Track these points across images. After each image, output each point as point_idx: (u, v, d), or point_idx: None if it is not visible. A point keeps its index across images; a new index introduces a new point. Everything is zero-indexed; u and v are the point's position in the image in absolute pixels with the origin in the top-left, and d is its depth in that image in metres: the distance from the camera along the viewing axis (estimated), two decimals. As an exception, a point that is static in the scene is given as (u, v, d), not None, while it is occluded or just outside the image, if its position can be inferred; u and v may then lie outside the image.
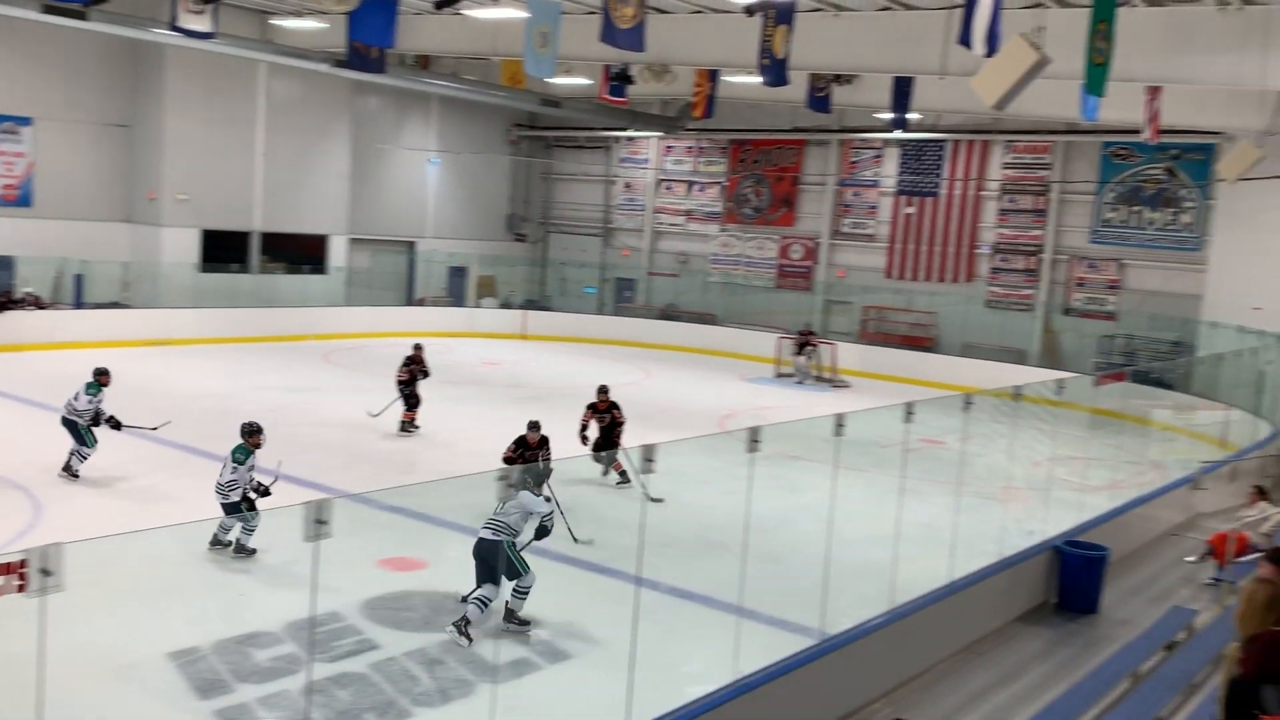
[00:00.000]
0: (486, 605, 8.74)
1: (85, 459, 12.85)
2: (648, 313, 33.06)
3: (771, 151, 31.81)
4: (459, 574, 9.23)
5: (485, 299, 33.37)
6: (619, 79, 22.57)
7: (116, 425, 13.00)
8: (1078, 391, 15.65)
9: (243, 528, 10.33)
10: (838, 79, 22.50)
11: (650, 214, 34.33)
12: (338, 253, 30.30)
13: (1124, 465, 15.18)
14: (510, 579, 8.87)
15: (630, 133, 33.00)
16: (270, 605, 9.39)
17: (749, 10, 15.70)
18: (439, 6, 18.07)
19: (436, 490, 12.52)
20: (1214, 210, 24.64)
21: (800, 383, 25.26)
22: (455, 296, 32.97)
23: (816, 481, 9.63)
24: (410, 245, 32.83)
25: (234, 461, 10.37)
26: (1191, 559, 12.65)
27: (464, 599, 8.91)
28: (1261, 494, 12.78)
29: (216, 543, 10.47)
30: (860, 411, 13.05)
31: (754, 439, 7.62)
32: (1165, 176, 25.44)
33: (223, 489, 10.42)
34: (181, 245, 26.96)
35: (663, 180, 34.13)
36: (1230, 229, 23.91)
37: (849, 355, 26.91)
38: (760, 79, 16.64)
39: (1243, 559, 11.81)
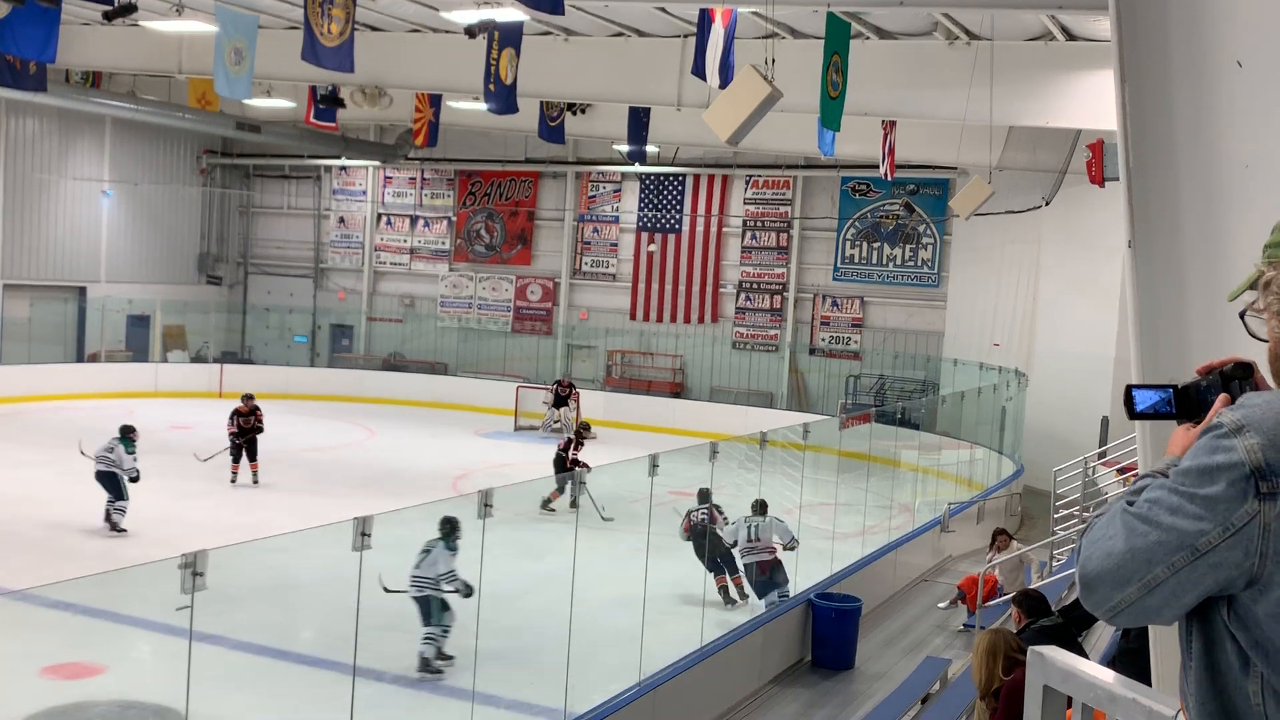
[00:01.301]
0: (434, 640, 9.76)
1: (124, 512, 14.99)
2: (368, 363, 32.37)
3: (504, 184, 32.06)
4: (145, 676, 8.64)
5: (173, 352, 31.64)
6: (327, 101, 22.13)
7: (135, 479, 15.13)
8: (825, 434, 16.56)
9: None
10: (571, 108, 23.00)
11: (369, 252, 33.74)
12: (-13, 300, 27.93)
13: (873, 509, 16.15)
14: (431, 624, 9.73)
15: (343, 161, 32.40)
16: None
17: (470, 32, 15.78)
18: (109, 17, 17.11)
19: (116, 581, 11.68)
20: (950, 246, 26.86)
21: (545, 435, 25.32)
22: (136, 350, 31.07)
23: (559, 544, 9.68)
24: (80, 291, 30.70)
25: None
26: (943, 605, 13.59)
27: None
28: (1004, 536, 13.87)
29: None
30: (605, 466, 13.27)
31: (486, 502, 7.59)
32: (903, 212, 27.51)
33: None
34: None
35: (382, 215, 33.66)
36: (966, 265, 26.14)
37: (594, 403, 27.33)
38: (486, 105, 16.75)
39: (991, 602, 12.78)
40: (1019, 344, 23.82)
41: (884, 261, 27.94)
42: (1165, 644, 3.23)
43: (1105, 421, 18.37)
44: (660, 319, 30.19)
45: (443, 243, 32.96)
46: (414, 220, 33.30)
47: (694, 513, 12.89)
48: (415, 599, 10.02)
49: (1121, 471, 14.91)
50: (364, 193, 33.84)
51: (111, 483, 14.94)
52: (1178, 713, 1.93)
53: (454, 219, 32.75)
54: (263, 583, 11.97)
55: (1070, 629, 7.29)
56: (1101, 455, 16.60)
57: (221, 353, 33.01)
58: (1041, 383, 21.83)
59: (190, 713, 7.64)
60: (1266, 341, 1.76)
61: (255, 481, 18.54)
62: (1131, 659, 5.94)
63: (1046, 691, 2.33)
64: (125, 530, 14.94)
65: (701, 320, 29.79)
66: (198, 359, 31.83)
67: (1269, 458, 1.57)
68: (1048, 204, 22.22)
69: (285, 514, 14.96)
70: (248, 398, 18.93)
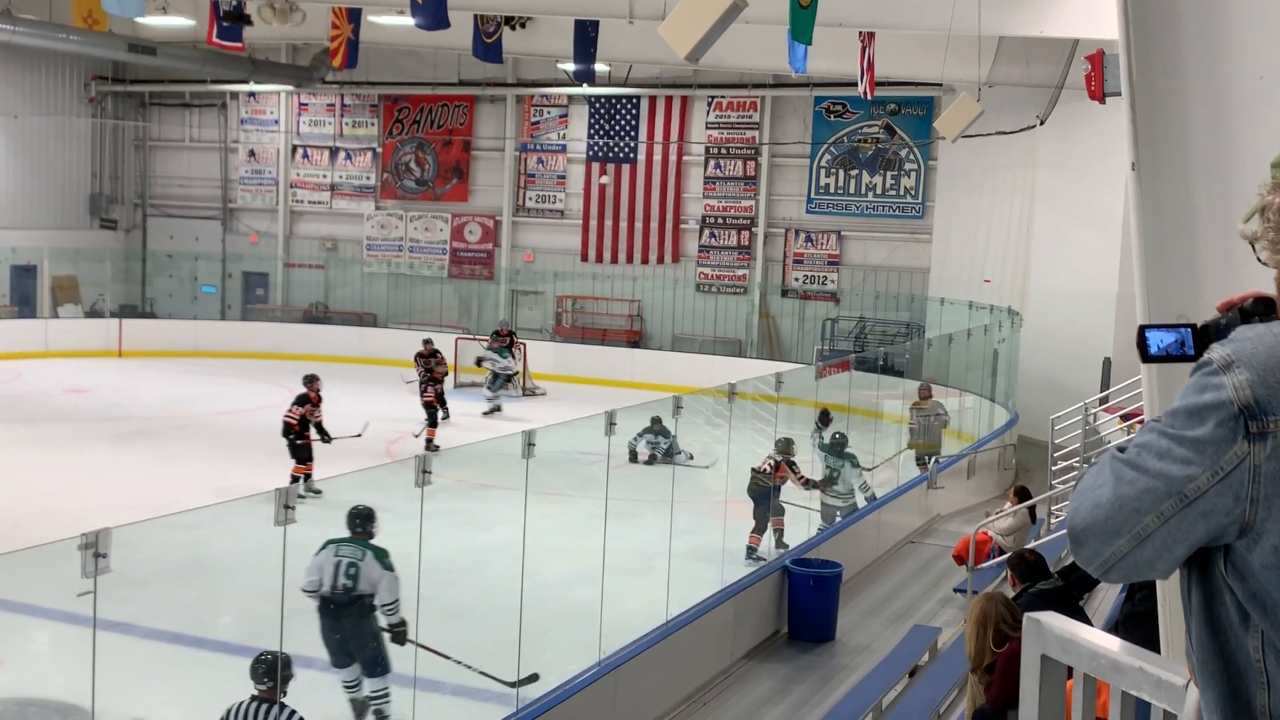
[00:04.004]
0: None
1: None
2: (287, 315, 32.12)
3: (435, 110, 31.73)
4: (45, 670, 8.60)
5: (65, 306, 31.26)
6: (231, 18, 21.76)
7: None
8: (800, 384, 16.65)
9: None
10: (510, 22, 22.76)
11: (284, 189, 33.35)
12: None
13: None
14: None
15: (252, 87, 31.91)
16: None
17: (394, -64, 15.57)
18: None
19: (7, 566, 11.59)
20: (935, 173, 26.94)
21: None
22: (22, 305, 30.65)
23: (508, 513, 9.70)
24: (-45, 239, 30.21)
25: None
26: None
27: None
28: (1021, 496, 13.98)
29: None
30: (556, 425, 13.30)
31: (424, 469, 7.58)
32: (884, 135, 27.55)
33: None
34: None
35: (298, 146, 33.25)
36: (953, 193, 26.24)
37: (542, 356, 27.29)
38: (413, 20, 16.54)
39: (988, 563, 12.93)
40: (1012, 280, 24.00)
41: (862, 191, 28.00)
42: (1175, 605, 3.29)
43: (1107, 363, 18.59)
44: (615, 260, 30.13)
45: (367, 178, 32.63)
46: (334, 153, 32.91)
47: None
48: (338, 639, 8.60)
49: (1125, 418, 15.12)
50: (276, 122, 33.38)
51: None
52: (1188, 682, 1.97)
53: (379, 151, 32.40)
54: (174, 563, 11.93)
55: (1070, 592, 7.43)
56: (1103, 401, 16.82)
57: (120, 306, 32.62)
58: (1037, 322, 22.03)
59: (97, 709, 7.63)
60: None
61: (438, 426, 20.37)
62: (1138, 623, 6.05)
63: (1044, 661, 2.36)
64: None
65: (661, 261, 29.76)
66: (93, 313, 31.45)
67: (1259, 394, 1.60)
68: (1043, 123, 22.31)
69: (197, 487, 14.88)
70: (427, 342, 21.05)
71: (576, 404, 23.51)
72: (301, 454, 16.03)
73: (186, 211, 34.43)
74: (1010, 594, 7.55)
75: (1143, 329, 1.83)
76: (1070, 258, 21.75)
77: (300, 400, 16.37)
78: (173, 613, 11.24)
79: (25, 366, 26.22)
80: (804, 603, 11.64)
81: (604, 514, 9.94)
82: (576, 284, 30.52)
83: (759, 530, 13.74)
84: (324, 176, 33.10)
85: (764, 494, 13.77)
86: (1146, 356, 1.85)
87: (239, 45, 22.67)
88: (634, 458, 17.20)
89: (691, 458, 16.18)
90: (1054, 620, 2.37)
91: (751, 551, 13.61)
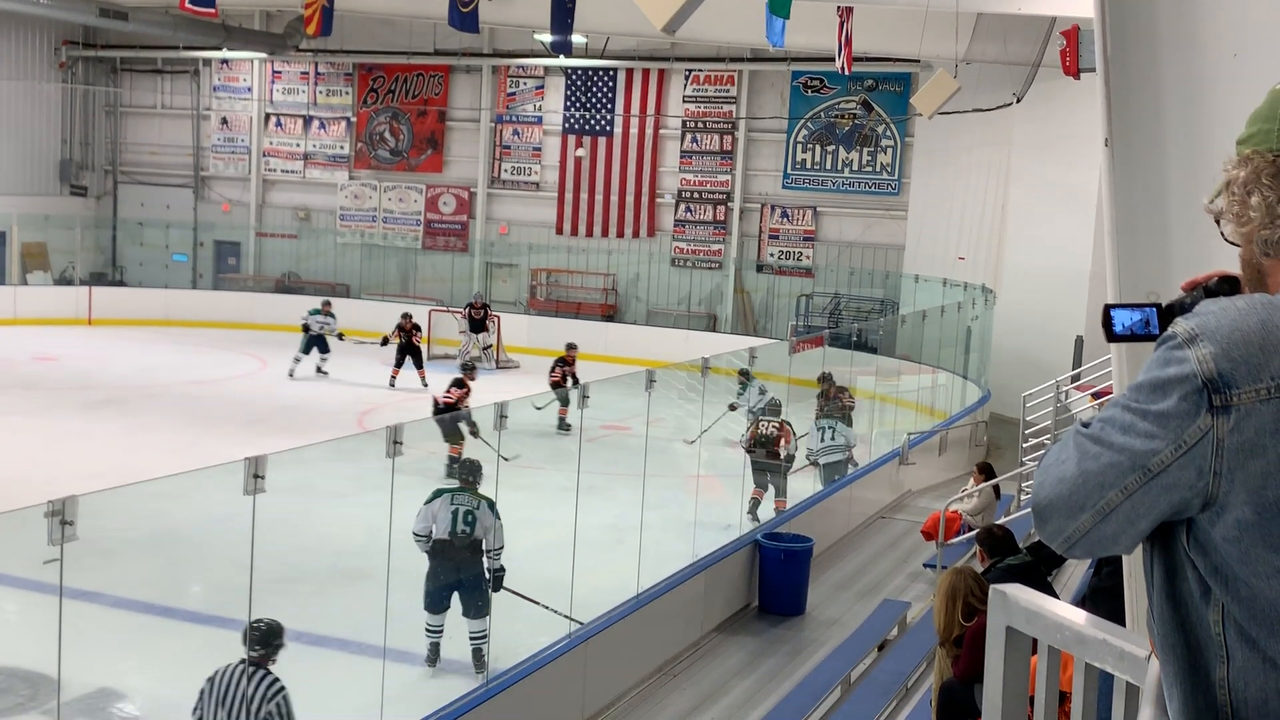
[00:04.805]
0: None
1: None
2: (259, 285, 31.96)
3: (410, 80, 31.54)
4: (11, 638, 8.56)
5: (34, 273, 31.03)
6: (205, -16, 21.50)
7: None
8: (774, 360, 16.70)
9: None
10: (486, -9, 22.58)
11: (256, 158, 33.12)
12: None
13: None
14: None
15: (225, 53, 31.60)
16: None
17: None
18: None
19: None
20: (912, 150, 26.97)
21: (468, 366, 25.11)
22: (-9, 271, 30.42)
23: (480, 485, 9.70)
24: (-78, 204, 29.89)
25: None
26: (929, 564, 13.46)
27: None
28: (985, 473, 14.07)
29: None
30: (528, 397, 13.29)
31: (395, 439, 7.57)
32: (860, 111, 27.54)
33: None
34: None
35: (271, 115, 33.00)
36: (929, 170, 26.29)
37: (516, 328, 27.26)
38: (388, -11, 16.40)
39: (957, 539, 13.03)
40: (986, 258, 24.08)
41: (839, 167, 28.01)
42: (1140, 580, 3.32)
43: (1080, 341, 18.70)
44: (590, 233, 30.07)
45: (341, 147, 32.43)
46: (307, 121, 32.68)
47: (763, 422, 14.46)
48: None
49: (1096, 396, 15.22)
50: (249, 90, 33.12)
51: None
52: (1149, 654, 1.98)
53: (353, 120, 32.20)
54: (143, 532, 11.88)
55: (1040, 567, 7.49)
56: (1075, 378, 16.93)
57: (90, 274, 32.41)
58: (1011, 300, 22.12)
59: (64, 677, 7.61)
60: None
61: (425, 384, 21.43)
62: (1104, 597, 6.11)
63: (1009, 633, 2.38)
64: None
65: (636, 234, 29.73)
66: (62, 281, 31.25)
67: (1222, 368, 1.60)
68: (1019, 101, 22.36)
69: (168, 455, 14.82)
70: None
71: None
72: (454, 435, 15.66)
73: (158, 179, 34.15)
74: (979, 569, 7.61)
75: (1108, 308, 1.83)
76: (1044, 236, 21.83)
77: (458, 383, 17.02)
78: (141, 582, 11.21)
79: (-7, 334, 26.00)
80: (775, 577, 11.70)
81: (575, 487, 9.95)
82: (551, 257, 30.46)
83: (762, 486, 14.25)
84: (297, 145, 32.87)
85: (766, 460, 14.29)
86: (1112, 335, 1.86)
87: (212, 11, 22.41)
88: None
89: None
90: (1019, 592, 2.38)
91: (756, 505, 14.08)
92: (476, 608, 9.28)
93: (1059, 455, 1.74)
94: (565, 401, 17.12)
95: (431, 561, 9.23)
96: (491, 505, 9.25)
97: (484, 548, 9.23)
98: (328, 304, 24.32)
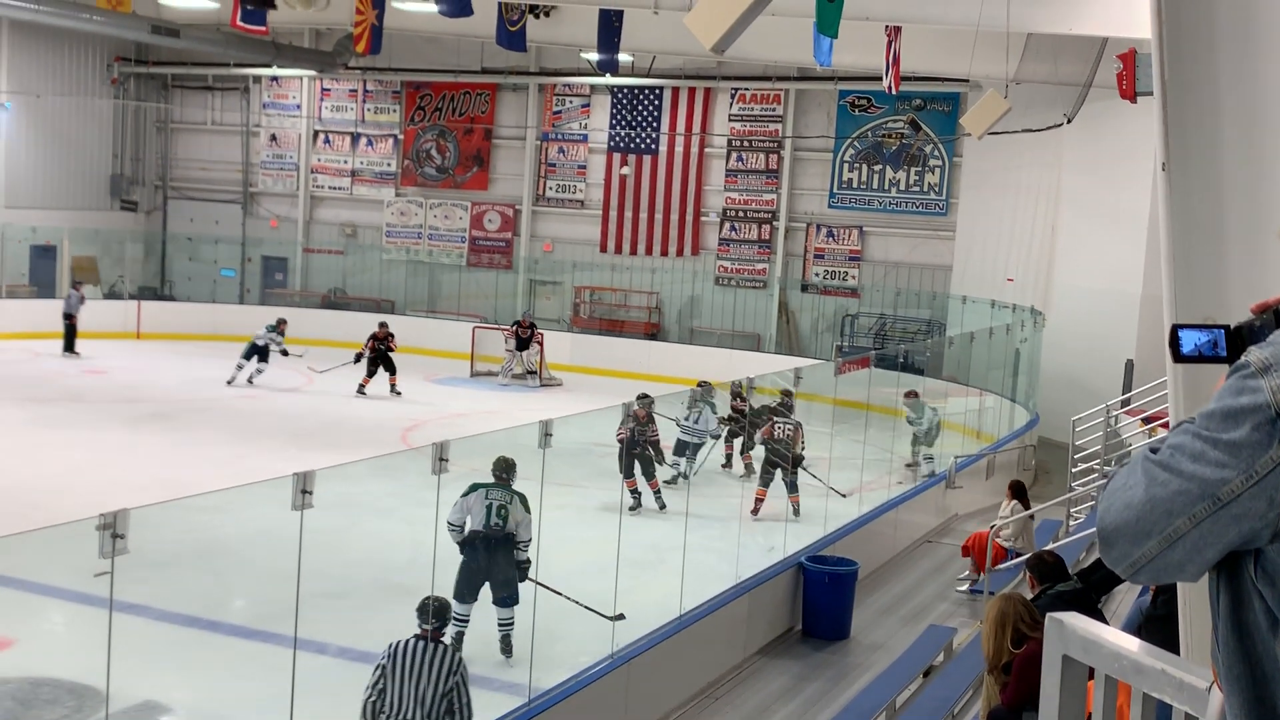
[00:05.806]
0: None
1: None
2: (305, 300, 32.19)
3: (457, 98, 31.76)
4: (59, 650, 8.65)
5: (84, 287, 31.33)
6: (256, 2, 21.76)
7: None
8: (818, 381, 16.64)
9: None
10: (533, 10, 22.74)
11: (305, 174, 33.44)
12: None
13: (872, 464, 16.27)
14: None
15: (275, 71, 31.95)
16: None
17: (420, -79, 15.59)
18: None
19: (24, 545, 11.66)
20: (960, 170, 26.84)
21: (505, 384, 25.31)
22: (42, 285, 30.78)
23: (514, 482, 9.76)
24: (-25, 218, 30.35)
25: None
26: (962, 589, 13.47)
27: None
28: (1016, 492, 13.96)
29: None
30: (574, 416, 13.31)
31: (441, 456, 7.60)
32: (908, 131, 27.45)
33: None
34: None
35: (320, 132, 33.32)
36: (978, 190, 26.14)
37: (559, 346, 27.32)
38: (437, 7, 16.55)
39: (1003, 565, 12.92)
40: (1035, 279, 23.90)
41: (886, 187, 27.91)
42: (1195, 609, 3.29)
43: (1130, 365, 18.50)
44: (634, 251, 30.12)
45: (388, 164, 32.68)
46: (355, 138, 32.97)
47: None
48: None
49: (1147, 421, 15.06)
50: (298, 107, 33.45)
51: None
52: (1211, 684, 1.97)
53: (400, 137, 32.45)
54: (191, 546, 11.98)
55: (1090, 594, 7.41)
56: (1125, 403, 16.75)
57: (139, 288, 32.75)
58: (1060, 323, 21.93)
59: (111, 690, 7.69)
60: None
61: (397, 393, 22.66)
62: (1158, 626, 6.03)
63: (1066, 662, 2.36)
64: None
65: (680, 253, 29.74)
66: (112, 295, 31.50)
67: None
68: (1070, 122, 22.20)
69: (215, 470, 14.93)
70: (383, 325, 23.29)
71: (593, 395, 23.55)
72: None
73: (207, 195, 34.53)
74: (1029, 595, 7.54)
75: (1176, 328, 1.83)
76: (1094, 258, 21.63)
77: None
78: (187, 595, 11.29)
79: (42, 346, 26.35)
80: (819, 600, 11.64)
81: (619, 506, 9.96)
82: (595, 275, 30.52)
83: (766, 485, 14.67)
84: (345, 162, 33.16)
85: (778, 461, 14.59)
86: (1179, 356, 1.85)
87: (263, 29, 22.67)
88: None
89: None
90: (1076, 621, 2.37)
91: (759, 504, 14.36)
92: (506, 597, 9.74)
93: (1126, 480, 1.74)
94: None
95: (464, 552, 9.63)
96: (524, 500, 9.66)
97: (516, 540, 9.70)
98: (283, 322, 24.53)
